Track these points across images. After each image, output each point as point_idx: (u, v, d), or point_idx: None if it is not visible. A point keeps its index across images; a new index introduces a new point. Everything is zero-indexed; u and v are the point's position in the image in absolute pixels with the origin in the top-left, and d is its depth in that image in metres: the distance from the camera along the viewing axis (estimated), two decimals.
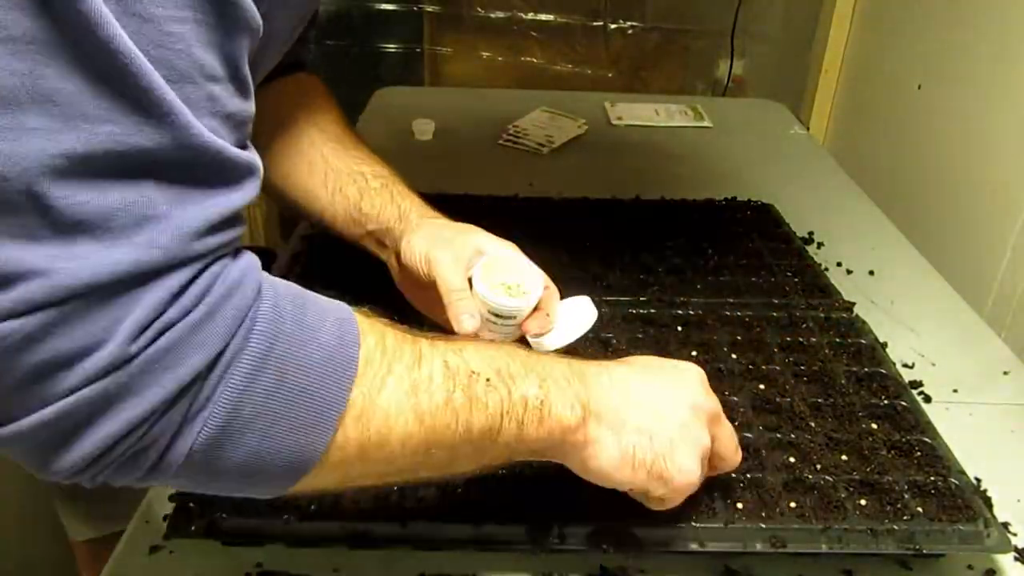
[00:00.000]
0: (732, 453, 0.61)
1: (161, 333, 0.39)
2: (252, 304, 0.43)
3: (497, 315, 0.70)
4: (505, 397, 0.52)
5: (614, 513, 0.63)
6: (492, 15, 2.27)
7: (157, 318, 0.39)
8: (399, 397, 0.48)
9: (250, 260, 0.45)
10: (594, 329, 0.85)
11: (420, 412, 0.48)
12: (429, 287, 0.73)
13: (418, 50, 2.35)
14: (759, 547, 0.61)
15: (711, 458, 0.60)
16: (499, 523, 0.61)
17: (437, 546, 0.61)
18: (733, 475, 0.66)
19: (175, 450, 0.42)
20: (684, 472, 0.57)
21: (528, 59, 2.31)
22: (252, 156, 0.44)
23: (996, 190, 1.23)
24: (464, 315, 0.69)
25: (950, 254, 1.26)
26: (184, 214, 0.39)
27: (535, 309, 0.71)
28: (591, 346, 0.83)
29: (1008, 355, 0.93)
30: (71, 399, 0.38)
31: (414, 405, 0.48)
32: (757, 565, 0.64)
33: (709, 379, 0.77)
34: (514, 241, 1.03)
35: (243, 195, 0.43)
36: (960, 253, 1.27)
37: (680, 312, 0.89)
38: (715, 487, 0.65)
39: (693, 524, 0.61)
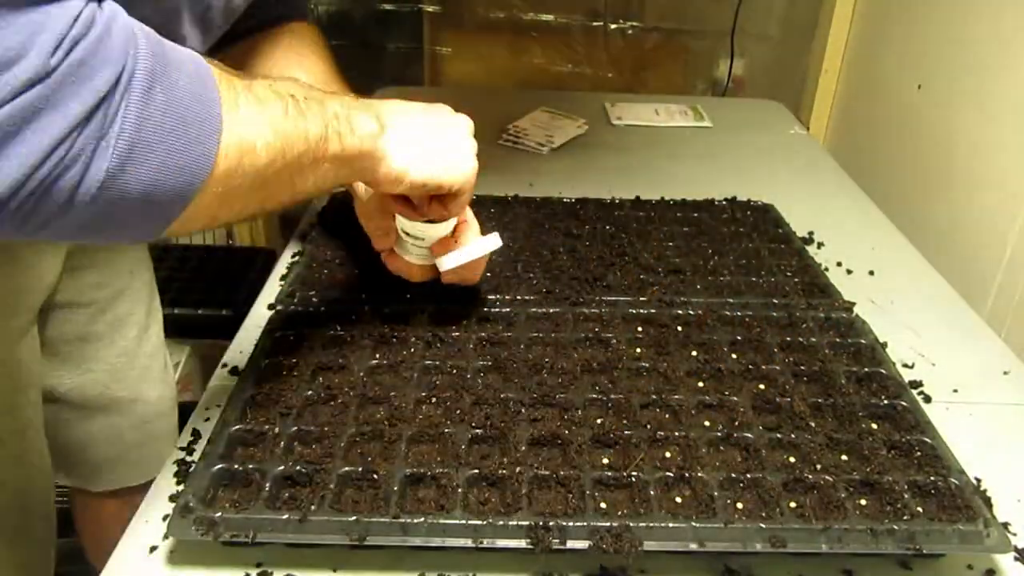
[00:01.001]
0: (469, 192, 0.77)
1: (72, 48, 0.43)
2: (133, 29, 0.48)
3: (407, 233, 0.81)
4: (321, 111, 0.61)
5: (614, 513, 0.63)
6: (492, 15, 2.27)
7: (66, 35, 0.43)
8: (251, 111, 0.55)
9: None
10: (595, 329, 0.86)
11: (271, 121, 0.56)
12: (375, 212, 0.82)
13: (418, 50, 2.35)
14: (759, 547, 0.61)
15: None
16: (499, 523, 0.61)
17: (437, 546, 0.61)
18: (733, 475, 0.66)
19: (93, 167, 0.45)
20: (467, 159, 0.73)
21: (528, 59, 2.31)
22: None
23: (996, 190, 1.23)
24: (379, 233, 0.82)
25: (950, 254, 1.26)
26: None
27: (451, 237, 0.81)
28: (591, 346, 0.83)
29: (1008, 355, 0.93)
30: None
31: (265, 117, 0.55)
32: (757, 565, 0.64)
33: (709, 379, 0.79)
34: (514, 241, 1.04)
35: None
36: (960, 253, 1.27)
37: (680, 312, 0.89)
38: (715, 487, 0.65)
39: (693, 524, 0.61)
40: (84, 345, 0.95)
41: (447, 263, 0.80)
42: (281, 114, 0.57)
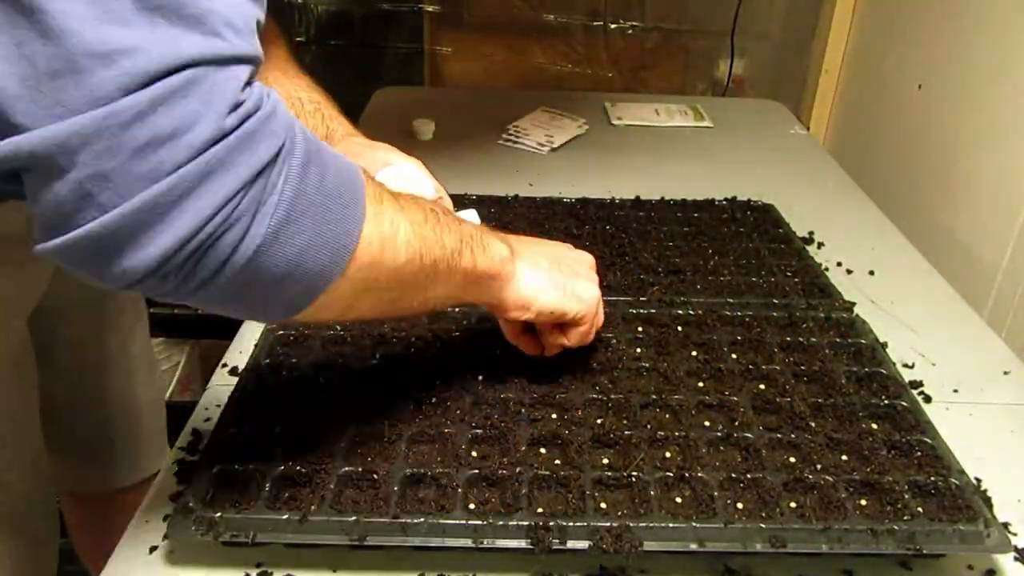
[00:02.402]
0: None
1: (247, 117, 0.46)
2: (294, 118, 0.50)
3: None
4: (456, 227, 0.63)
5: (614, 513, 0.63)
6: (492, 15, 2.27)
7: (240, 104, 0.45)
8: (394, 209, 0.57)
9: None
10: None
11: (412, 222, 0.58)
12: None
13: (418, 50, 2.35)
14: (759, 547, 0.61)
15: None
16: (499, 523, 0.61)
17: (437, 546, 0.61)
18: (733, 475, 0.66)
19: (252, 231, 0.46)
20: (590, 288, 0.74)
21: (528, 59, 2.31)
22: None
23: (996, 190, 1.23)
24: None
25: (950, 254, 1.26)
26: (229, 11, 0.45)
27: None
28: (591, 346, 0.83)
29: (1008, 355, 0.93)
30: (177, 173, 0.43)
31: (406, 217, 0.57)
32: (757, 565, 0.64)
33: (709, 379, 0.79)
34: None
35: (263, 8, 0.50)
36: (960, 253, 1.27)
37: (680, 312, 0.89)
38: (715, 487, 0.65)
39: (693, 524, 0.61)
40: (70, 348, 0.95)
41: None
42: (421, 219, 0.59)
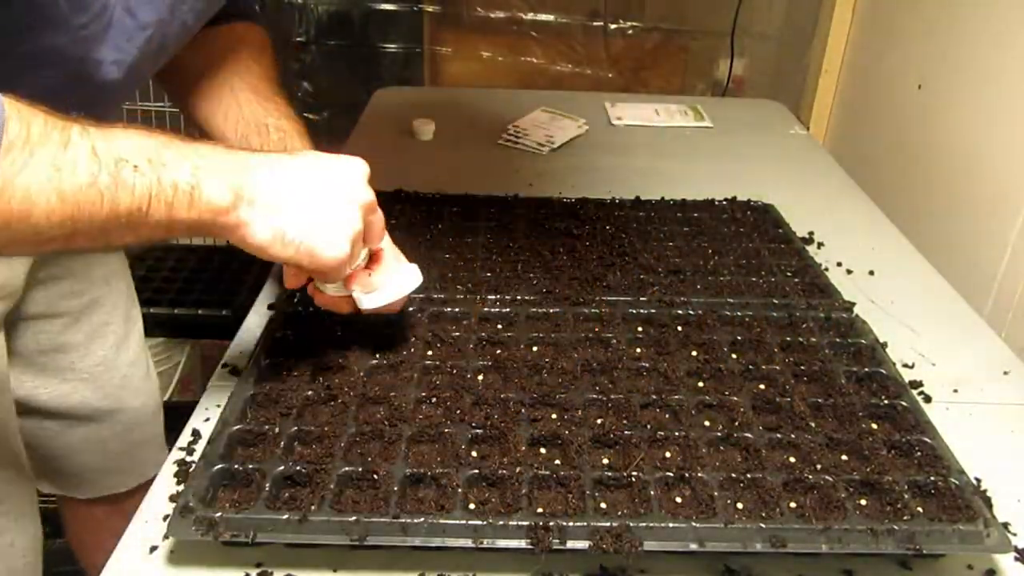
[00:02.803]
0: (379, 235, 0.74)
1: None
2: None
3: None
4: (154, 182, 0.58)
5: (614, 513, 0.63)
6: (492, 15, 2.27)
7: None
8: (39, 178, 0.53)
9: None
10: (595, 329, 0.86)
11: (62, 191, 0.54)
12: None
13: (418, 50, 2.35)
14: (759, 547, 0.61)
15: (364, 239, 0.71)
16: (499, 523, 0.61)
17: (437, 546, 0.61)
18: (733, 475, 0.66)
19: None
20: (332, 246, 0.66)
21: (528, 59, 2.31)
22: None
23: (996, 190, 1.23)
24: (292, 271, 0.76)
25: (950, 254, 1.26)
26: None
27: (367, 268, 0.77)
28: (591, 346, 0.83)
29: (1008, 355, 0.93)
30: None
31: (56, 185, 0.53)
32: (757, 565, 0.64)
33: (709, 379, 0.79)
34: (514, 241, 1.04)
35: None
36: (960, 253, 1.27)
37: (680, 312, 0.89)
38: (715, 487, 0.65)
39: (693, 524, 0.61)
40: (60, 356, 0.94)
41: (367, 304, 0.76)
42: (85, 184, 0.55)
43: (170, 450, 0.75)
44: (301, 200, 0.65)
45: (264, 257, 0.66)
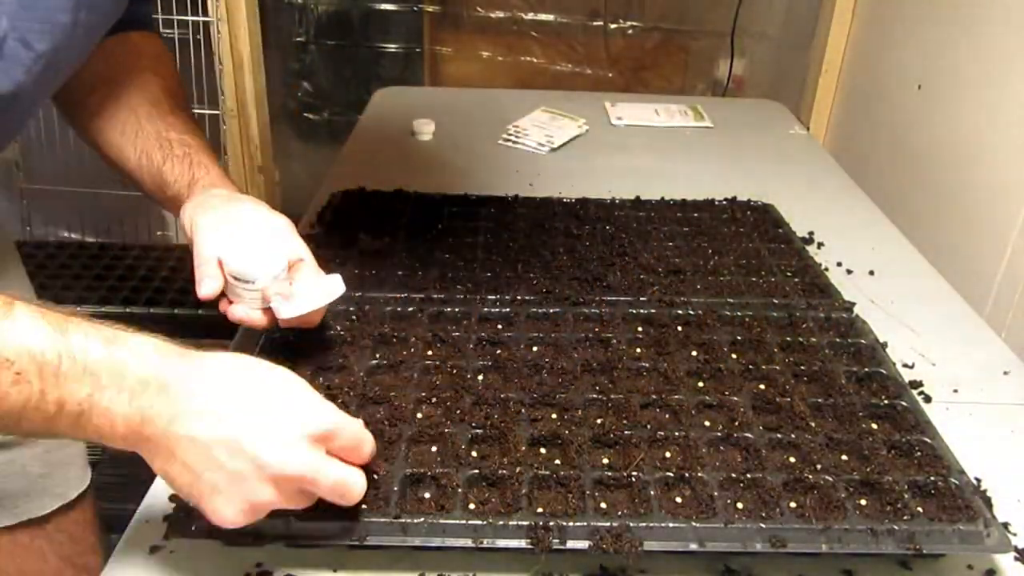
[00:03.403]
0: (358, 456, 0.59)
1: None
2: None
3: (236, 278, 0.74)
4: (35, 394, 0.51)
5: (614, 513, 0.63)
6: (492, 15, 2.27)
7: None
8: None
9: None
10: (595, 329, 0.86)
11: None
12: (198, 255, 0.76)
13: (418, 50, 2.35)
14: (759, 547, 0.61)
15: (347, 457, 0.58)
16: (499, 523, 0.61)
17: (437, 546, 0.61)
18: (733, 475, 0.66)
19: None
20: (218, 516, 0.55)
21: (528, 59, 2.31)
22: None
23: (996, 190, 1.23)
24: (205, 279, 0.73)
25: (950, 254, 1.26)
26: None
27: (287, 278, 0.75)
28: (591, 346, 0.83)
29: (1008, 355, 0.93)
30: None
31: None
32: (757, 565, 0.64)
33: (709, 379, 0.79)
34: (514, 241, 1.04)
35: None
36: (960, 253, 1.27)
37: (680, 312, 0.89)
38: (715, 487, 0.65)
39: (693, 524, 0.61)
40: None
41: (285, 313, 0.74)
42: None
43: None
44: (200, 457, 0.54)
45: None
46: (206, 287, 0.74)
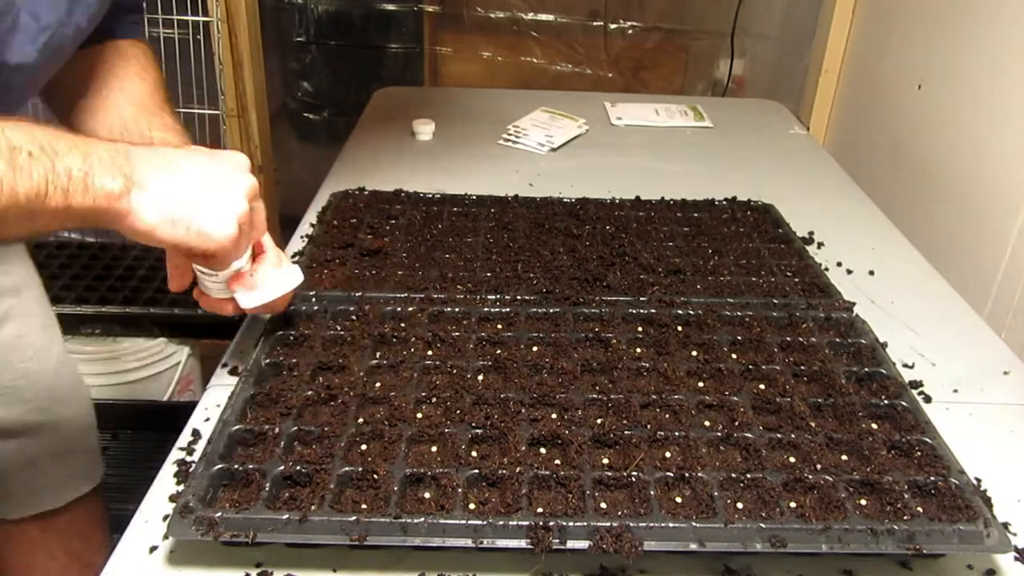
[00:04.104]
0: (262, 222, 0.75)
1: None
2: None
3: (201, 270, 0.77)
4: (49, 168, 0.59)
5: (614, 513, 0.63)
6: (492, 15, 2.27)
7: None
8: None
9: None
10: (595, 329, 0.86)
11: None
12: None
13: (418, 50, 2.35)
14: (759, 547, 0.61)
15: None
16: (499, 523, 0.61)
17: (437, 546, 0.61)
18: (733, 475, 0.66)
19: None
20: (222, 226, 0.67)
21: (528, 59, 2.31)
22: None
23: (996, 190, 1.23)
24: (174, 274, 0.78)
25: (950, 254, 1.26)
26: None
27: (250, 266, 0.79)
28: (591, 346, 0.83)
29: (1008, 355, 0.93)
30: None
31: None
32: (757, 565, 0.64)
33: (709, 379, 0.79)
34: (514, 241, 1.04)
35: None
36: (960, 253, 1.27)
37: (680, 312, 0.89)
38: (715, 487, 0.65)
39: (693, 524, 0.61)
40: None
41: (246, 303, 0.78)
42: None
43: (170, 450, 0.75)
44: (188, 183, 0.67)
45: (152, 243, 0.66)
46: (175, 283, 0.78)
